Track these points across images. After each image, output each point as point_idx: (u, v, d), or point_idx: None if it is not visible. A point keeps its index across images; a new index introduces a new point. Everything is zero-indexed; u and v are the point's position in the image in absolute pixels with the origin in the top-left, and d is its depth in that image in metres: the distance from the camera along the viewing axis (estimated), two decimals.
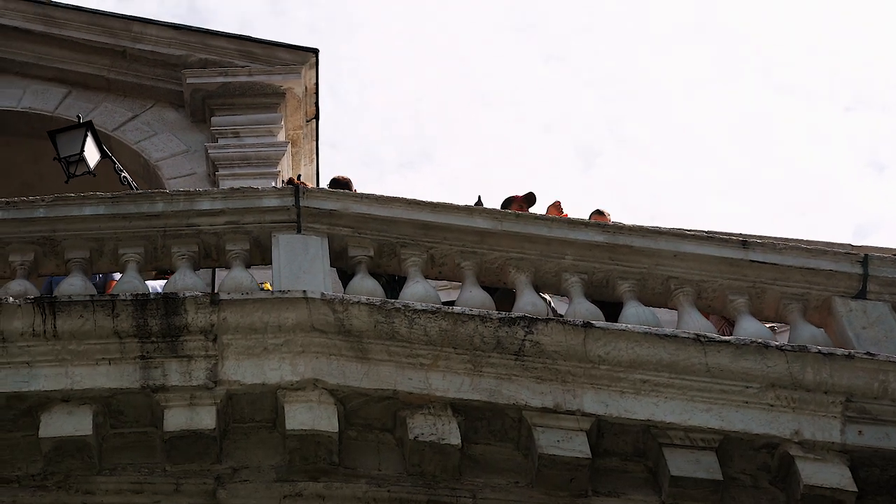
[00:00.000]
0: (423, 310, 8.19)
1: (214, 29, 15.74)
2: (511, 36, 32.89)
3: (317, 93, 15.63)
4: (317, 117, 15.79)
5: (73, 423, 7.87)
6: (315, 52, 15.53)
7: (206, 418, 7.93)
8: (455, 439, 7.96)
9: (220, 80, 15.11)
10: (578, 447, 7.97)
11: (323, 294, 8.22)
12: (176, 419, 7.92)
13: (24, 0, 15.86)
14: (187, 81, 15.04)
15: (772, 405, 8.17)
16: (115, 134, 15.07)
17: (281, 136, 15.12)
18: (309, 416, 7.95)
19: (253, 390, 8.05)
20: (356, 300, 8.20)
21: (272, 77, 15.30)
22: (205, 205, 9.00)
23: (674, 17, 33.06)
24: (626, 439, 8.16)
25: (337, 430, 7.93)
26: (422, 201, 9.08)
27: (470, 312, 8.22)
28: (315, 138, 16.01)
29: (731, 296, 8.98)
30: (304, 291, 8.22)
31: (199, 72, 15.18)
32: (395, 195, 9.10)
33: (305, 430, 7.91)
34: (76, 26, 15.68)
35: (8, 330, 8.05)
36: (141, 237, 8.95)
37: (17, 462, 7.99)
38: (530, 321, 8.23)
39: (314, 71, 15.51)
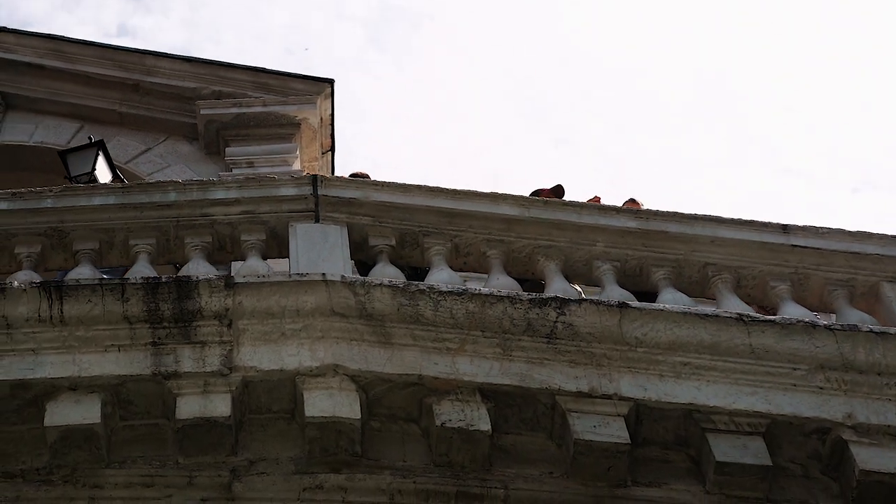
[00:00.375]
0: (449, 291, 7.76)
1: (227, 61, 15.52)
2: (520, 120, 32.75)
3: (332, 124, 15.30)
4: (332, 149, 15.45)
5: (80, 412, 7.42)
6: (330, 82, 15.20)
7: (220, 406, 7.47)
8: (485, 425, 7.49)
9: (235, 110, 14.77)
10: (616, 432, 7.48)
11: (343, 277, 7.80)
12: (189, 407, 7.47)
13: (35, 36, 15.63)
14: (201, 112, 14.72)
15: (821, 388, 7.69)
16: (128, 166, 14.70)
17: (296, 166, 14.76)
18: (329, 403, 7.49)
19: (270, 377, 7.60)
20: (378, 282, 7.79)
21: (287, 107, 14.95)
22: (219, 194, 8.65)
23: (680, 100, 33.00)
24: (667, 425, 7.67)
25: (359, 417, 7.47)
26: (445, 188, 8.72)
27: (498, 294, 7.79)
28: (331, 171, 15.65)
29: (773, 282, 8.55)
30: (324, 274, 7.81)
31: (213, 103, 14.83)
32: (416, 183, 8.73)
33: (326, 417, 7.45)
34: (88, 61, 15.39)
35: (13, 315, 7.64)
36: (153, 228, 8.58)
37: (22, 455, 7.53)
38: (562, 302, 7.79)
39: (329, 101, 15.18)
